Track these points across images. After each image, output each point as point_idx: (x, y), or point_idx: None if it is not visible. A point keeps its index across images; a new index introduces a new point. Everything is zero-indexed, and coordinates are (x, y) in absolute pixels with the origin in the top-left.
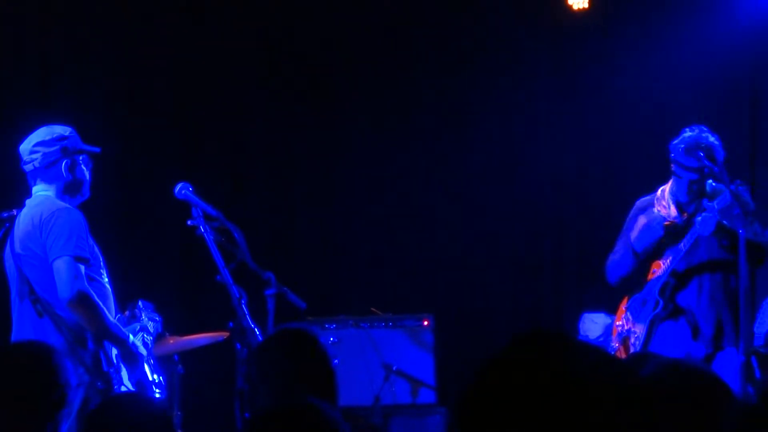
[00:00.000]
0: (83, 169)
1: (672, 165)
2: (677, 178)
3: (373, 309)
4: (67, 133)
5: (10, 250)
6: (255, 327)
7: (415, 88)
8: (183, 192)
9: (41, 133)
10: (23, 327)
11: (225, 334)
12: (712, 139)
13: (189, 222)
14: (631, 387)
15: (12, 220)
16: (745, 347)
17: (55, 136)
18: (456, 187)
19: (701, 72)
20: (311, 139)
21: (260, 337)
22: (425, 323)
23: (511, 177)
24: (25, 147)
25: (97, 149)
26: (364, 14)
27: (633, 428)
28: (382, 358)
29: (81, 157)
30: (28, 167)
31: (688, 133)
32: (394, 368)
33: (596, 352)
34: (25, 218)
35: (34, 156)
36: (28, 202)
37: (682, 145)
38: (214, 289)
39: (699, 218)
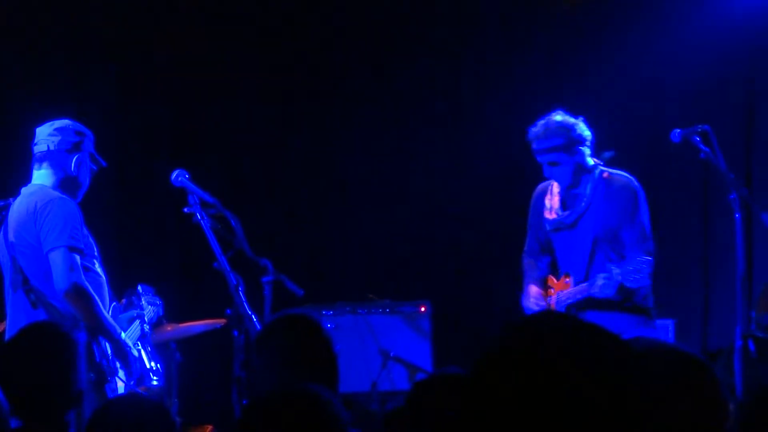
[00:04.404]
0: (87, 174)
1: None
2: (551, 167)
3: (370, 295)
4: (86, 133)
5: (4, 239)
6: (252, 314)
7: (412, 76)
8: (179, 179)
9: (63, 122)
10: (17, 317)
11: (222, 322)
12: (559, 118)
13: (186, 209)
14: (630, 361)
15: (7, 209)
16: (741, 331)
17: (76, 129)
18: (453, 173)
19: (698, 61)
20: (309, 126)
21: (258, 324)
22: (422, 309)
23: (509, 163)
24: (43, 129)
25: (103, 162)
26: (363, 3)
27: (632, 404)
28: (380, 345)
29: (89, 162)
30: (40, 147)
31: (541, 122)
32: (391, 354)
33: (597, 330)
34: (19, 207)
35: (52, 138)
36: (23, 190)
37: (539, 131)
38: (211, 276)
39: (600, 282)
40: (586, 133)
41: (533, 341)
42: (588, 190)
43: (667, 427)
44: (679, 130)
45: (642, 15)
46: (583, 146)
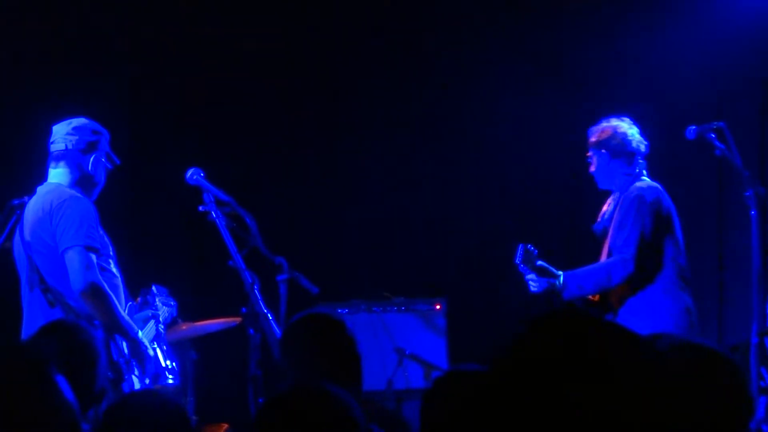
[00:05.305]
0: (103, 173)
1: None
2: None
3: (385, 293)
4: (103, 132)
5: (20, 238)
6: (268, 312)
7: (426, 73)
8: (194, 177)
9: (80, 121)
10: (34, 316)
11: (238, 320)
12: (613, 121)
13: (201, 207)
14: (651, 362)
15: (22, 207)
16: (758, 328)
17: (93, 128)
18: (469, 170)
19: (713, 59)
20: (323, 123)
21: (273, 323)
22: (438, 307)
23: (524, 160)
24: (61, 127)
25: (118, 161)
26: (375, 12)
27: (654, 403)
28: (395, 343)
29: (105, 162)
30: (57, 146)
31: None
32: (406, 352)
33: (617, 329)
34: (35, 206)
35: (70, 137)
36: (39, 189)
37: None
38: (226, 274)
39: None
40: (632, 139)
41: (552, 338)
42: (616, 200)
43: (691, 424)
44: (694, 127)
45: (658, 13)
46: (612, 150)
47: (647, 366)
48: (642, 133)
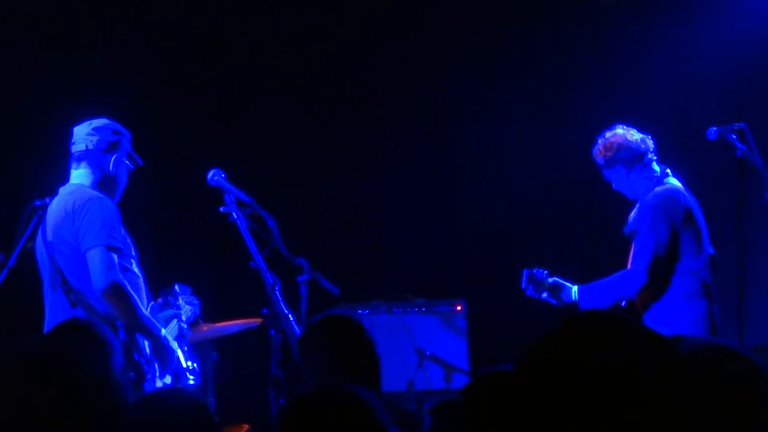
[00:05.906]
0: (125, 173)
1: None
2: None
3: (406, 294)
4: (124, 132)
5: (42, 239)
6: (288, 313)
7: (449, 75)
8: (216, 178)
9: (101, 121)
10: (56, 317)
11: (259, 321)
12: (607, 135)
13: (222, 208)
14: (678, 363)
15: (44, 208)
16: None
17: (114, 128)
18: (490, 171)
19: (734, 58)
20: (343, 124)
21: (294, 324)
22: (458, 308)
23: (544, 161)
24: (81, 128)
25: (140, 161)
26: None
27: (678, 404)
28: (416, 344)
29: (127, 162)
30: (78, 147)
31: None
32: (427, 353)
33: (644, 331)
34: (57, 206)
35: (90, 138)
36: (61, 189)
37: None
38: (247, 275)
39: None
40: (635, 140)
41: (580, 339)
42: (640, 204)
43: (716, 424)
44: (715, 128)
45: (678, 13)
46: (624, 161)
47: (673, 367)
48: (640, 130)
